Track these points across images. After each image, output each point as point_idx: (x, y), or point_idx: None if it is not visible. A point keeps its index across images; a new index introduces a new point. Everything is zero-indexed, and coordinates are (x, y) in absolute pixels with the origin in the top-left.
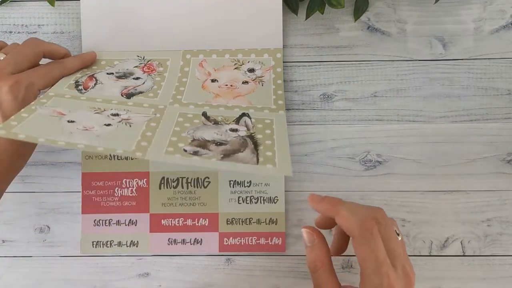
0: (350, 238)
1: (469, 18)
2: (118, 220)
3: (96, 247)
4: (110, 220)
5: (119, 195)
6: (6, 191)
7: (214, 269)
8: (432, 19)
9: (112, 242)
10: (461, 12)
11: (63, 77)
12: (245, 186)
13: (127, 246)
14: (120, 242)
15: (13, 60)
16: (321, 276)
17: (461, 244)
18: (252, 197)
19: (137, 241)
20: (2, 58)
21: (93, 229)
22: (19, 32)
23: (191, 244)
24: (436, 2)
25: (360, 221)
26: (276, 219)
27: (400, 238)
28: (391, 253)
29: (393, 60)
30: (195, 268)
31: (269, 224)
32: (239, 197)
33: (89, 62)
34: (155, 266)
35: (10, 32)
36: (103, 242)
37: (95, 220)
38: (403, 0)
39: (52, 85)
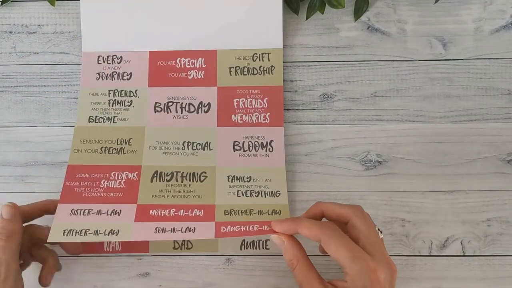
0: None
1: (469, 18)
2: (99, 210)
3: (67, 235)
4: (90, 210)
5: (105, 187)
6: (6, 190)
7: (214, 269)
8: (432, 19)
9: (87, 230)
10: (461, 12)
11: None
12: (244, 181)
13: (104, 235)
14: (97, 231)
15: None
16: (300, 272)
17: (461, 244)
18: (252, 191)
19: (118, 230)
20: None
21: (68, 219)
22: (19, 32)
23: (182, 232)
24: (436, 2)
25: (319, 225)
26: (280, 210)
27: (381, 236)
28: (370, 244)
29: (393, 60)
30: (195, 268)
31: (272, 215)
32: (238, 191)
33: (50, 209)
34: (155, 266)
35: (10, 32)
36: (76, 230)
37: (72, 209)
38: (403, 0)
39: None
